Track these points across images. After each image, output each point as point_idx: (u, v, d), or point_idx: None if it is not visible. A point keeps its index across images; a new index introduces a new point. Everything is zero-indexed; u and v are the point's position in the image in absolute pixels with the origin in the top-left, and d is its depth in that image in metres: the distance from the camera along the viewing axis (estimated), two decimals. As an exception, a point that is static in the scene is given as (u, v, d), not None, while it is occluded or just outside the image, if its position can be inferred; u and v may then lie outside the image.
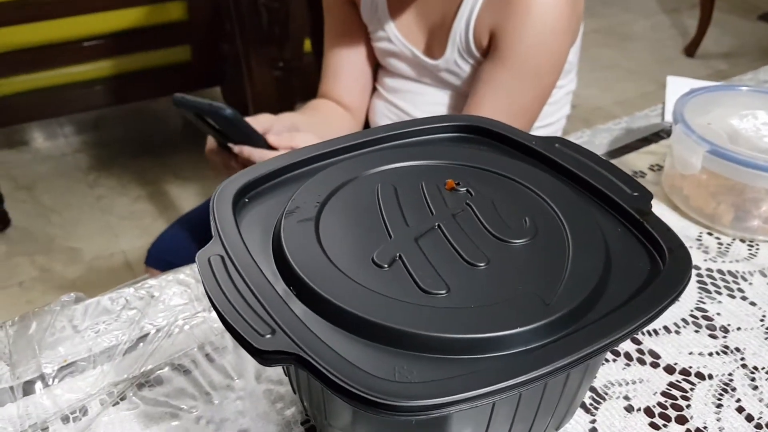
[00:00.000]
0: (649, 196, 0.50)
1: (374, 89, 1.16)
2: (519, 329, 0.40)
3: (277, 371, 0.57)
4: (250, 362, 0.57)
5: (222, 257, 0.43)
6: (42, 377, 0.56)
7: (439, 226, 0.47)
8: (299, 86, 1.99)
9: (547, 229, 0.47)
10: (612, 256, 0.46)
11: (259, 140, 0.89)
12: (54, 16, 1.94)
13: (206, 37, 2.13)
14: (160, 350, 0.58)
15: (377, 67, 1.15)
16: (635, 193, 0.50)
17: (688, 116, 0.73)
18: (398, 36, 1.04)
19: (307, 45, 1.86)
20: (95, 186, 2.28)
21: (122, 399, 0.54)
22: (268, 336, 0.38)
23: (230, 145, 0.91)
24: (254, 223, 0.49)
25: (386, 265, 0.44)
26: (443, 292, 0.42)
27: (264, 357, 0.38)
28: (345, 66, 1.13)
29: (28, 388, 0.55)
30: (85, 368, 0.57)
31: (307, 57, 1.94)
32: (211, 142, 0.97)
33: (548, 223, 0.48)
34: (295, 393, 0.51)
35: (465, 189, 0.51)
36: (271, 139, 0.91)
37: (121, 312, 0.62)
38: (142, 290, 0.64)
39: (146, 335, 0.60)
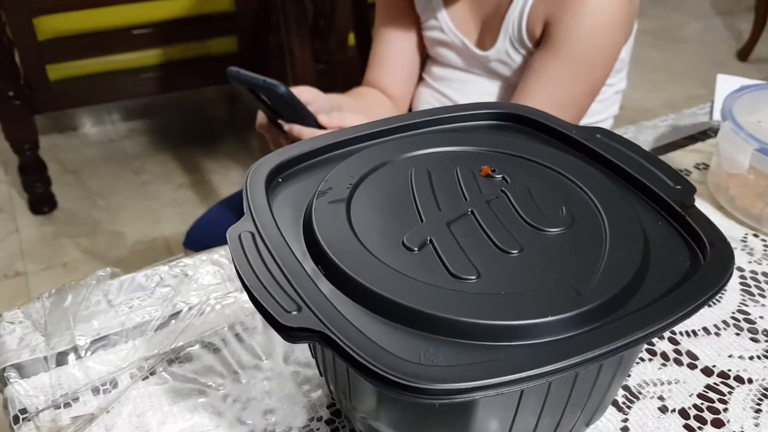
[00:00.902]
0: (692, 189, 0.48)
1: (420, 79, 1.16)
2: (549, 318, 0.39)
3: (305, 353, 0.56)
4: (278, 343, 0.57)
5: (252, 234, 0.43)
6: (75, 349, 0.57)
7: (472, 211, 0.46)
8: (343, 79, 2.00)
9: (584, 218, 0.46)
10: (651, 249, 0.45)
11: (309, 119, 0.89)
12: (106, 3, 1.97)
13: (252, 28, 2.14)
14: (191, 328, 0.59)
15: (425, 58, 1.15)
16: (678, 186, 0.48)
17: (737, 114, 0.71)
18: (450, 26, 1.03)
19: (351, 39, 1.86)
20: (140, 172, 2.32)
21: (152, 374, 0.55)
22: (294, 313, 0.38)
23: (280, 122, 0.91)
24: (287, 202, 0.48)
25: (416, 249, 0.43)
26: (473, 277, 0.41)
27: (289, 333, 0.38)
28: (392, 54, 1.13)
29: (61, 359, 0.56)
30: (117, 342, 0.57)
31: (350, 50, 1.95)
32: (261, 116, 0.98)
33: (585, 213, 0.47)
34: (321, 375, 0.50)
35: (500, 176, 0.50)
36: (322, 118, 0.91)
37: (155, 289, 0.62)
38: (177, 269, 0.64)
39: (178, 312, 0.60)
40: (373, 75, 1.14)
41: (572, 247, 0.44)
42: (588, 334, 0.39)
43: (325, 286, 0.41)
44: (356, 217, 0.46)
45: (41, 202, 2.11)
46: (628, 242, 0.44)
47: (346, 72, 2.01)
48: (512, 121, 0.57)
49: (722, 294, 0.63)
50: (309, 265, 0.43)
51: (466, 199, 0.48)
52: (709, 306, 0.62)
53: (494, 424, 0.41)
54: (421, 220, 0.46)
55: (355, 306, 0.40)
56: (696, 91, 2.69)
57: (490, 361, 0.37)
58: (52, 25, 1.94)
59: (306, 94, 0.95)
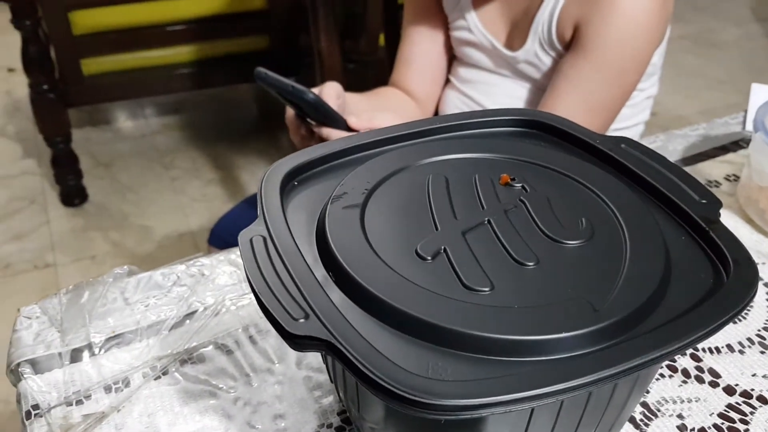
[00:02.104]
0: (718, 205, 0.46)
1: (447, 81, 1.15)
2: (564, 334, 0.38)
3: (317, 358, 0.56)
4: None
5: (264, 238, 0.43)
6: (89, 346, 0.57)
7: (488, 221, 0.45)
8: (373, 79, 2.00)
9: (604, 231, 0.45)
10: (673, 265, 0.43)
11: (339, 121, 0.89)
12: (141, -1, 2.00)
13: (285, 27, 2.14)
14: (205, 328, 0.58)
15: (451, 60, 1.14)
16: (703, 200, 0.47)
17: (771, 125, 0.68)
18: (479, 26, 1.02)
19: (382, 39, 1.86)
20: (170, 167, 2.34)
21: (164, 374, 0.55)
22: (302, 321, 0.37)
23: (309, 120, 0.91)
24: (301, 206, 0.48)
25: (430, 258, 0.42)
26: (487, 289, 0.40)
27: (295, 341, 0.37)
28: (419, 55, 1.12)
29: (75, 356, 0.56)
30: (131, 340, 0.57)
31: (381, 51, 1.94)
32: (290, 112, 0.98)
33: (606, 226, 0.45)
34: (332, 382, 0.50)
35: (520, 185, 0.49)
36: (352, 121, 0.90)
37: (172, 288, 0.62)
38: (194, 268, 0.64)
39: (193, 312, 0.60)
40: (399, 75, 1.13)
41: (590, 261, 0.43)
42: (603, 351, 0.38)
43: (335, 294, 0.41)
44: (370, 224, 0.45)
45: (72, 194, 2.14)
46: (648, 257, 0.43)
47: (376, 72, 2.01)
48: (535, 128, 0.56)
49: (748, 310, 0.61)
50: (320, 271, 0.42)
51: (483, 208, 0.47)
52: (734, 323, 0.60)
53: (504, 440, 0.41)
54: (436, 229, 0.45)
55: (364, 315, 0.40)
56: (733, 99, 2.63)
57: (500, 377, 0.36)
58: (87, 19, 1.97)
59: (329, 90, 0.94)
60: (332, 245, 0.43)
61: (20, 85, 2.50)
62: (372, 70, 2.05)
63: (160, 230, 2.08)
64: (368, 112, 0.95)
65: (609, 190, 0.48)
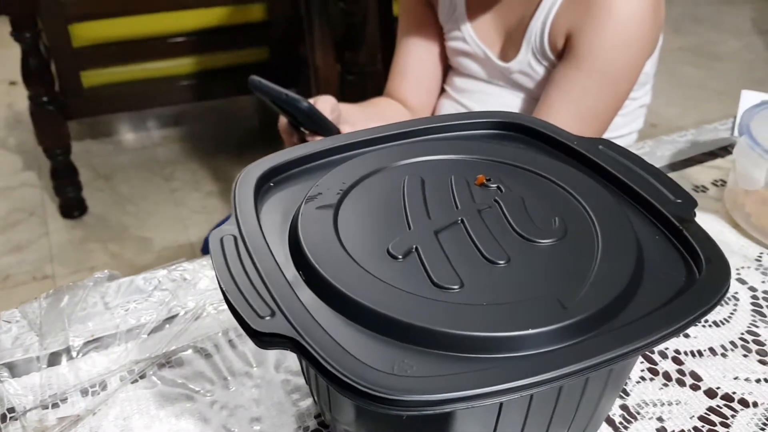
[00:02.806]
0: (693, 204, 0.46)
1: (442, 91, 1.15)
2: (531, 331, 0.37)
3: (296, 362, 0.56)
4: (271, 351, 0.56)
5: (235, 237, 0.43)
6: (68, 350, 0.57)
7: (462, 220, 0.45)
8: (372, 91, 2.00)
9: (577, 231, 0.45)
10: (645, 264, 0.43)
11: (332, 130, 0.89)
12: (141, 11, 2.01)
13: (284, 38, 2.15)
14: (185, 332, 0.58)
15: (446, 71, 1.14)
16: (678, 200, 0.47)
17: (755, 129, 0.68)
18: (473, 37, 1.03)
19: (381, 50, 1.86)
20: (171, 179, 2.34)
21: (142, 377, 0.55)
22: (268, 318, 0.37)
23: (303, 129, 0.91)
24: (276, 207, 0.48)
25: (401, 257, 0.42)
26: (456, 287, 0.40)
27: (261, 339, 0.37)
28: (413, 65, 1.12)
29: (54, 359, 0.56)
30: (110, 344, 0.57)
31: (381, 63, 1.95)
32: (283, 120, 0.98)
33: (579, 225, 0.45)
34: (307, 384, 0.50)
35: (495, 185, 0.49)
36: (345, 130, 0.91)
37: (153, 292, 0.62)
38: (176, 272, 0.64)
39: (174, 317, 0.60)
40: (393, 85, 1.14)
41: (562, 260, 0.43)
42: (570, 348, 0.37)
43: (305, 293, 0.40)
44: (343, 224, 0.45)
45: (72, 206, 2.15)
46: (620, 256, 0.43)
47: (375, 83, 2.02)
48: (514, 130, 0.56)
49: (732, 314, 0.61)
50: (291, 271, 0.42)
51: (457, 208, 0.47)
52: (717, 326, 0.59)
53: (474, 439, 0.40)
54: (409, 228, 0.45)
55: (332, 314, 0.39)
56: (733, 111, 2.62)
57: (464, 373, 0.35)
58: (87, 32, 1.98)
59: (323, 104, 0.94)
60: (303, 244, 0.43)
61: (22, 98, 2.51)
62: (371, 82, 2.05)
63: (159, 242, 2.09)
64: (362, 122, 0.95)
65: (584, 191, 0.48)
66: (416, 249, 0.43)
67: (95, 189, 2.27)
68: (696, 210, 0.46)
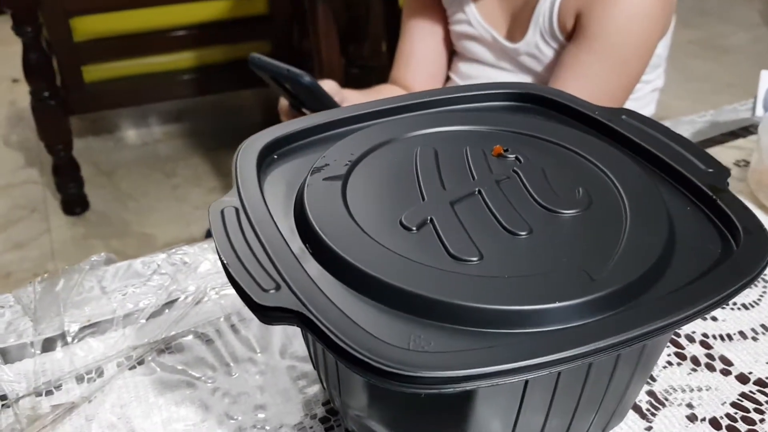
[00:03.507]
0: (726, 173, 0.43)
1: (447, 79, 1.12)
2: (557, 304, 0.34)
3: (303, 347, 0.53)
4: (276, 336, 0.53)
5: (237, 209, 0.40)
6: (63, 335, 0.54)
7: (479, 191, 0.42)
8: (377, 84, 1.97)
9: (602, 201, 0.42)
10: (677, 235, 0.40)
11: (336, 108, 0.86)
12: (142, 5, 1.98)
13: (286, 32, 2.13)
14: (185, 317, 0.55)
15: (451, 56, 1.11)
16: (710, 169, 0.44)
17: (782, 104, 0.65)
18: (478, 18, 1.00)
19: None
20: (172, 175, 2.32)
21: (140, 363, 0.52)
22: (272, 291, 0.34)
23: (305, 110, 0.88)
24: (280, 179, 0.45)
25: (415, 228, 0.39)
26: (475, 259, 0.37)
27: (264, 314, 0.34)
28: (417, 51, 1.09)
29: (48, 345, 0.53)
30: (107, 329, 0.55)
31: (385, 55, 1.92)
32: (283, 102, 0.95)
33: (605, 196, 0.42)
34: (315, 369, 0.47)
35: (514, 156, 0.46)
36: None
37: (152, 276, 0.59)
38: (176, 256, 0.61)
39: (174, 301, 0.57)
40: (398, 72, 1.11)
41: (588, 231, 0.40)
42: (600, 321, 0.34)
43: (312, 266, 0.38)
44: (352, 195, 0.42)
45: (73, 203, 2.12)
46: (650, 227, 0.40)
47: (380, 77, 1.99)
48: (532, 102, 0.53)
49: (762, 296, 0.58)
50: (297, 243, 0.39)
51: (473, 179, 0.44)
52: (747, 309, 0.56)
53: (495, 423, 0.37)
54: (423, 200, 0.42)
55: (342, 287, 0.36)
56: (747, 98, 2.59)
57: (486, 348, 0.32)
58: (88, 26, 1.95)
59: (326, 86, 0.92)
60: (310, 216, 0.40)
61: (24, 95, 2.48)
62: (376, 75, 2.03)
63: (161, 238, 2.06)
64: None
65: (608, 161, 0.45)
66: (431, 220, 0.40)
67: (97, 185, 2.25)
68: (725, 185, 0.43)
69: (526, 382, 0.35)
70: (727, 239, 0.40)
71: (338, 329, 0.32)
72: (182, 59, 2.13)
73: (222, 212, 0.40)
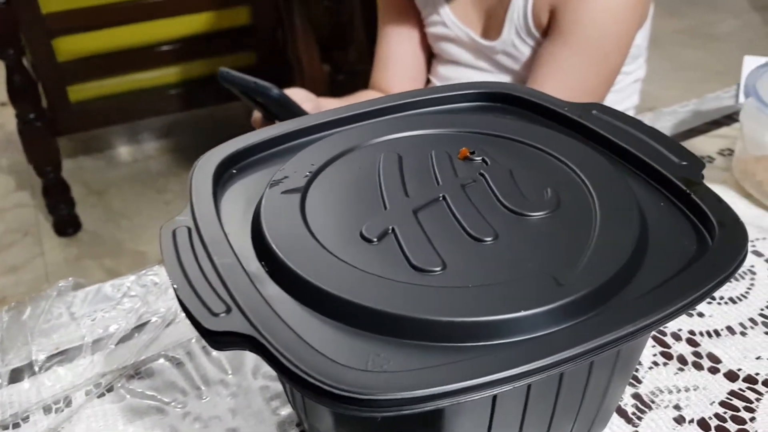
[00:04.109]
0: (700, 165, 0.42)
1: (428, 81, 1.11)
2: (522, 313, 0.33)
3: (276, 366, 0.51)
4: (248, 356, 0.52)
5: (189, 229, 0.38)
6: (30, 365, 0.52)
7: (443, 197, 0.41)
8: (363, 90, 1.96)
9: (572, 201, 0.40)
10: (650, 233, 0.38)
11: None
12: (124, 22, 1.97)
13: (270, 42, 2.11)
14: (156, 340, 0.54)
15: (430, 58, 1.10)
16: (683, 162, 0.42)
17: (762, 90, 0.64)
18: (453, 19, 0.98)
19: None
20: (163, 191, 2.30)
21: (109, 390, 0.50)
22: (222, 315, 0.33)
23: (277, 122, 0.87)
24: (239, 195, 0.43)
25: (375, 239, 0.38)
26: (438, 269, 0.36)
27: (214, 339, 0.32)
28: (395, 55, 1.08)
29: (15, 376, 0.52)
30: (75, 357, 0.53)
31: (371, 61, 1.90)
32: (257, 114, 0.94)
33: (574, 195, 0.41)
34: (284, 389, 0.45)
35: (480, 158, 0.44)
36: None
37: (122, 300, 0.58)
38: (146, 277, 0.60)
39: (144, 324, 0.55)
40: (377, 76, 1.09)
41: (556, 233, 0.38)
42: (570, 329, 0.33)
43: (269, 287, 0.36)
44: (312, 208, 0.40)
45: (65, 223, 2.10)
46: (621, 225, 0.38)
47: (366, 82, 1.98)
48: (500, 101, 0.51)
49: (749, 289, 0.56)
50: (254, 263, 0.38)
51: (438, 184, 0.42)
52: (734, 303, 0.55)
53: (467, 440, 0.35)
54: (385, 209, 0.40)
55: (299, 307, 0.35)
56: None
57: (448, 364, 0.31)
58: (71, 46, 1.94)
59: (294, 94, 0.90)
60: (265, 232, 0.38)
61: (13, 118, 2.47)
62: (362, 80, 2.01)
63: (155, 255, 2.04)
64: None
65: (578, 158, 0.43)
66: (393, 230, 0.38)
67: (89, 205, 2.23)
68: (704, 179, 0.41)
69: (495, 396, 0.33)
70: (703, 234, 0.38)
71: (290, 352, 0.31)
72: (168, 74, 2.11)
73: (174, 233, 0.38)
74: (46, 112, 1.96)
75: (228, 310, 0.33)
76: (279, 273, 0.36)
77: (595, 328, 0.32)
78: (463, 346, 0.33)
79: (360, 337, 0.33)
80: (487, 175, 0.42)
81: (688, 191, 0.40)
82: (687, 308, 0.33)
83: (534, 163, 0.44)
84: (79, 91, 2.02)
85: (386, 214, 0.40)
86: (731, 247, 0.36)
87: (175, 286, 0.34)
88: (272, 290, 0.36)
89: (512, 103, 0.51)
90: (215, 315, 0.33)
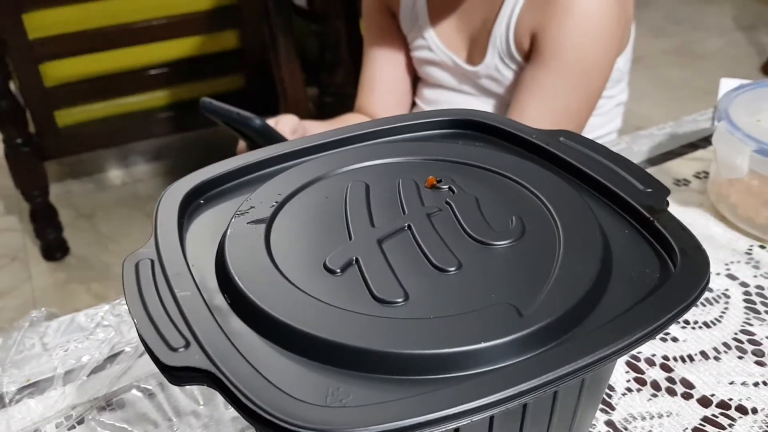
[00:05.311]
0: (665, 192, 0.42)
1: (414, 104, 1.11)
2: (483, 344, 0.33)
3: (248, 396, 0.51)
4: (220, 385, 0.51)
5: (153, 261, 0.38)
6: (1, 397, 0.52)
7: (409, 226, 0.41)
8: (351, 112, 1.97)
9: (536, 230, 0.40)
10: (614, 262, 0.38)
11: None
12: (111, 47, 1.97)
13: (259, 65, 2.12)
14: (129, 371, 0.53)
15: (415, 81, 1.10)
16: (648, 189, 0.42)
17: (735, 114, 0.64)
18: (438, 44, 0.99)
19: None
20: (152, 215, 2.30)
21: (80, 423, 0.50)
22: (181, 350, 0.33)
23: None
24: (206, 226, 0.43)
25: (339, 271, 0.38)
26: (400, 300, 0.35)
27: (172, 374, 0.32)
28: (381, 78, 1.09)
29: (-15, 410, 0.51)
30: (46, 388, 0.52)
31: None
32: (242, 144, 0.94)
33: (539, 224, 0.41)
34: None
35: (447, 186, 0.44)
36: None
37: (95, 330, 0.57)
38: (121, 307, 0.59)
39: (117, 354, 0.55)
40: (363, 100, 1.10)
41: (519, 262, 0.38)
42: (531, 360, 0.33)
43: (231, 321, 0.36)
44: (277, 239, 0.40)
45: (53, 248, 2.10)
46: (584, 254, 0.38)
47: (353, 104, 1.99)
48: (469, 128, 0.52)
49: (723, 313, 0.56)
50: (217, 296, 0.37)
51: (404, 213, 0.42)
52: (708, 327, 0.55)
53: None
54: (350, 239, 0.40)
55: (261, 341, 0.35)
56: (720, 108, 2.58)
57: (408, 398, 0.31)
58: (58, 71, 1.94)
59: (284, 126, 0.91)
60: (228, 263, 0.38)
61: (0, 142, 2.49)
62: (349, 102, 2.02)
63: (143, 279, 2.03)
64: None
65: (544, 186, 0.44)
66: (356, 260, 0.38)
67: (77, 229, 2.23)
68: (679, 204, 0.42)
69: (457, 429, 0.33)
70: (665, 262, 0.38)
71: (248, 388, 0.31)
72: (156, 98, 2.12)
73: (137, 265, 0.38)
74: (34, 137, 1.96)
75: (187, 345, 0.33)
76: (240, 305, 0.36)
77: (557, 359, 0.32)
78: (424, 378, 0.32)
79: (320, 370, 0.33)
80: (453, 204, 0.42)
81: (651, 218, 0.40)
82: (647, 338, 0.33)
83: (500, 191, 0.44)
84: (67, 116, 2.02)
85: (351, 244, 0.39)
86: (693, 275, 0.36)
87: (135, 320, 0.34)
88: (234, 323, 0.36)
89: (482, 130, 0.51)
90: (174, 350, 0.33)
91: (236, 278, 0.37)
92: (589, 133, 1.00)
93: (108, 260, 2.11)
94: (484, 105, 1.00)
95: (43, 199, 2.04)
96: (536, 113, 0.88)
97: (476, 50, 0.96)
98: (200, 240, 0.42)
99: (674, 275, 0.36)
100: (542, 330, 0.34)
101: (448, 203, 0.43)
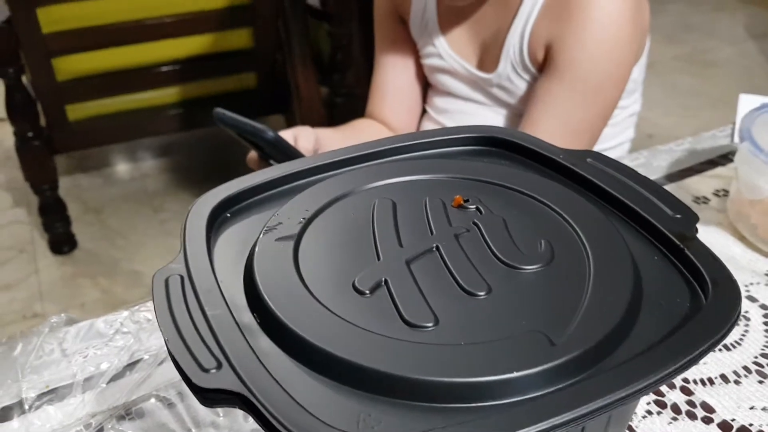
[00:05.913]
0: (694, 219, 0.42)
1: (424, 112, 1.11)
2: (515, 374, 0.33)
3: (267, 409, 0.51)
4: (240, 397, 0.51)
5: (182, 277, 0.38)
6: (21, 403, 0.52)
7: (437, 247, 0.41)
8: (363, 113, 1.97)
9: (565, 254, 0.40)
10: (644, 289, 0.38)
11: None
12: (124, 42, 1.97)
13: (271, 64, 2.12)
14: (148, 379, 0.53)
15: (427, 88, 1.10)
16: (677, 215, 0.42)
17: (758, 134, 0.64)
18: (449, 51, 0.99)
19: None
20: (160, 210, 2.30)
21: (99, 431, 0.50)
22: (213, 371, 0.33)
23: (272, 162, 0.87)
24: (233, 241, 0.43)
25: (368, 292, 0.38)
26: (430, 324, 0.35)
27: (204, 396, 0.32)
28: (392, 85, 1.08)
29: (5, 415, 0.51)
30: (66, 395, 0.53)
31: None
32: (252, 153, 0.94)
33: (568, 248, 0.41)
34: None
35: (474, 206, 0.44)
36: None
37: (114, 336, 0.57)
38: (140, 313, 0.59)
39: (137, 362, 0.55)
40: (374, 106, 1.10)
41: (549, 288, 0.38)
42: (562, 392, 0.33)
43: (261, 340, 0.36)
44: (305, 257, 0.40)
45: (61, 242, 2.10)
46: (615, 282, 0.38)
47: (365, 105, 1.99)
48: (494, 146, 0.52)
49: (743, 335, 0.56)
50: (247, 315, 0.37)
51: (432, 233, 0.42)
52: (728, 350, 0.55)
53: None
54: (379, 259, 0.40)
55: (291, 362, 0.35)
56: (731, 117, 2.58)
57: (440, 429, 0.31)
58: (70, 65, 1.94)
59: (305, 141, 0.91)
60: (258, 282, 0.38)
61: (11, 134, 2.49)
62: (360, 103, 2.02)
63: (150, 274, 2.02)
64: (340, 146, 0.92)
65: (572, 209, 0.43)
66: (385, 282, 0.38)
67: (85, 223, 2.23)
68: (699, 223, 0.42)
69: (485, 457, 0.33)
70: (696, 291, 0.38)
71: (280, 413, 0.31)
72: (167, 95, 2.12)
73: (167, 281, 0.38)
74: (45, 131, 1.97)
75: (219, 366, 0.33)
76: (270, 325, 0.36)
77: (589, 392, 0.32)
78: (452, 407, 0.32)
79: (351, 395, 0.33)
80: (480, 225, 0.42)
81: (682, 246, 0.40)
82: (681, 371, 0.33)
83: (528, 213, 0.44)
84: (78, 110, 2.02)
85: (379, 264, 0.39)
86: (724, 308, 0.36)
87: (166, 338, 0.34)
88: (264, 343, 0.35)
89: (507, 148, 0.51)
90: (206, 371, 0.33)
91: (267, 299, 0.37)
92: (601, 143, 0.99)
93: (115, 255, 2.11)
94: (496, 114, 0.99)
95: (53, 192, 2.04)
96: (551, 126, 0.88)
97: (488, 58, 0.96)
98: (228, 255, 0.42)
99: (706, 307, 0.36)
100: (574, 360, 0.33)
101: (475, 224, 0.42)
